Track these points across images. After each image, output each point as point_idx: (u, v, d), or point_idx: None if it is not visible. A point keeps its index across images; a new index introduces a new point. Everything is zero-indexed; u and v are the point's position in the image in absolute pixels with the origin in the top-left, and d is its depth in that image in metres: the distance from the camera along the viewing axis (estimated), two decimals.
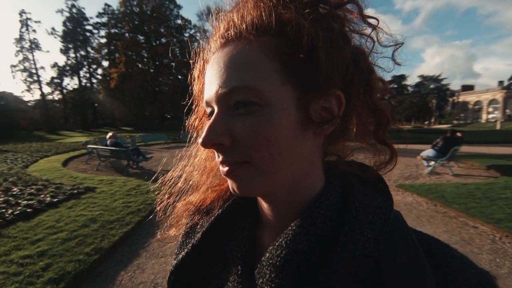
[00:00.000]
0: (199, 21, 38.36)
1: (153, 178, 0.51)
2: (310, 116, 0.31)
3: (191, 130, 0.43)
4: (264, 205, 0.37)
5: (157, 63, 39.81)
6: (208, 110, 0.34)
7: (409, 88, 65.07)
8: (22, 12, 39.70)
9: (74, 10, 42.70)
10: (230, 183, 0.34)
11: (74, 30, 42.69)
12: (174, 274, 0.39)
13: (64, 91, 45.23)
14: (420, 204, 4.33)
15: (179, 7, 41.99)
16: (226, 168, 0.32)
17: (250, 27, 0.31)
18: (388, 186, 0.37)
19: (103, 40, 44.44)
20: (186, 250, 0.39)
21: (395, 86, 63.13)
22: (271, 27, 0.30)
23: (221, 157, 0.32)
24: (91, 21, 44.64)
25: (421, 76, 65.33)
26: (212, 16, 0.36)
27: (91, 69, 46.49)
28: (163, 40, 40.04)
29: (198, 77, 0.39)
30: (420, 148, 7.98)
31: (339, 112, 0.32)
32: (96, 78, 47.25)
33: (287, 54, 0.30)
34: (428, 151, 6.68)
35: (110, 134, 7.98)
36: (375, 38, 0.35)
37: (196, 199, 0.44)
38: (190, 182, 0.45)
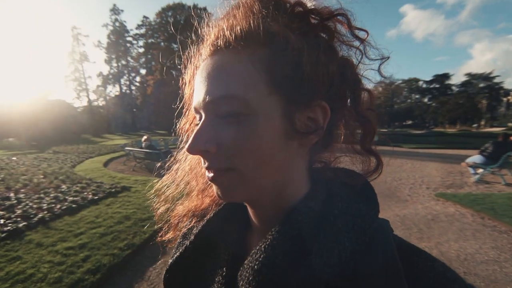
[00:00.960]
0: None
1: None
2: (295, 126, 0.32)
3: (181, 134, 0.44)
4: (250, 210, 0.38)
5: None
6: (197, 116, 0.35)
7: (453, 88, 59.72)
8: (73, 28, 44.48)
9: (117, 24, 46.75)
10: (215, 188, 0.35)
11: (117, 42, 46.71)
12: (168, 273, 0.41)
13: (107, 97, 49.65)
14: (464, 216, 3.92)
15: (211, 14, 43.65)
16: (211, 174, 0.33)
17: (238, 37, 0.31)
18: (375, 194, 0.37)
19: (141, 50, 48.06)
20: (180, 251, 0.41)
21: (437, 86, 58.47)
22: (259, 38, 0.31)
23: (206, 163, 0.33)
24: (131, 33, 48.49)
25: (469, 74, 59.33)
26: (204, 23, 0.37)
27: (131, 77, 50.42)
28: None
29: (190, 81, 0.40)
30: (465, 153, 7.26)
31: (324, 123, 0.33)
32: (135, 85, 51.12)
33: (274, 65, 0.31)
34: (475, 157, 6.05)
35: (145, 137, 8.54)
36: (362, 51, 0.36)
37: (191, 204, 0.45)
38: (182, 187, 0.45)
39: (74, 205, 4.27)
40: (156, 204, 0.47)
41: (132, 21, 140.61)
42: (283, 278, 0.29)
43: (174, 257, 0.41)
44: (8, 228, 3.30)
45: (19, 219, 3.61)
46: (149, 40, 46.10)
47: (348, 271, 0.28)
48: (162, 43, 43.44)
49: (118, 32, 46.71)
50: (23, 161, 9.75)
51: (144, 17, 50.87)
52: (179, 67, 0.42)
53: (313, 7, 0.34)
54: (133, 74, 50.37)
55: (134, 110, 50.14)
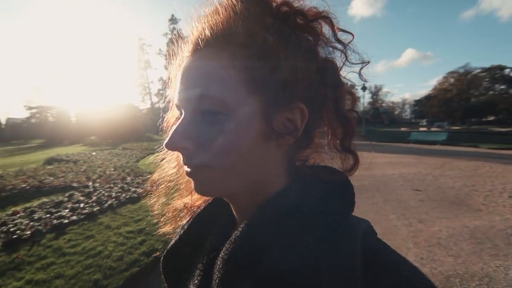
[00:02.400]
0: None
1: None
2: (273, 127, 0.33)
3: (166, 127, 0.44)
4: (231, 205, 0.40)
5: None
6: (178, 113, 0.36)
7: None
8: (140, 39, 50.46)
9: (174, 32, 51.18)
10: (193, 183, 0.36)
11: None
12: (164, 259, 0.43)
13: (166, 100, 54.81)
14: None
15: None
16: (189, 170, 0.34)
17: (219, 38, 0.32)
18: (353, 192, 0.37)
19: None
20: (174, 240, 0.44)
21: (487, 77, 48.04)
22: (240, 39, 0.31)
23: (184, 159, 0.34)
24: None
25: None
26: (189, 20, 0.37)
27: None
28: None
29: (174, 78, 0.40)
30: None
31: (302, 124, 0.34)
32: None
33: (253, 67, 0.31)
34: None
35: None
36: (345, 53, 0.37)
37: (185, 199, 0.47)
38: (171, 183, 0.46)
39: (135, 195, 4.85)
40: (151, 200, 0.49)
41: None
42: (249, 268, 0.30)
43: (169, 246, 0.43)
44: (86, 211, 3.94)
45: (94, 204, 4.27)
46: None
47: (310, 268, 0.28)
48: None
49: (176, 40, 51.05)
50: (100, 156, 11.48)
51: None
52: None
53: (299, 7, 0.35)
54: None
55: None
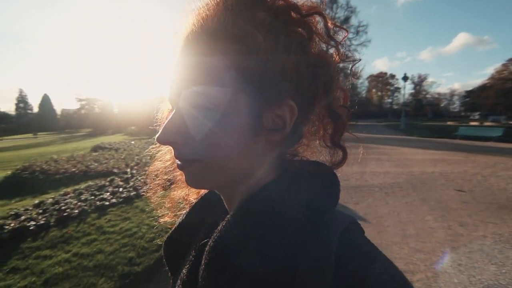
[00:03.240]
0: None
1: None
2: (262, 123, 0.33)
3: (161, 119, 0.45)
4: (222, 197, 0.41)
5: None
6: (169, 106, 0.37)
7: None
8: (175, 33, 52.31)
9: None
10: (184, 176, 0.37)
11: None
12: (165, 244, 0.46)
13: None
14: None
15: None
16: (179, 163, 0.35)
17: (210, 33, 0.32)
18: (338, 187, 0.37)
19: None
20: (173, 228, 0.45)
21: None
22: (230, 35, 0.31)
23: (175, 153, 0.35)
24: None
25: None
26: (182, 14, 0.36)
27: None
28: None
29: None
30: None
31: (291, 121, 0.34)
32: None
33: (244, 64, 0.31)
34: None
35: None
36: (338, 51, 0.38)
37: (182, 190, 0.48)
38: (166, 176, 0.47)
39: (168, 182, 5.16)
40: (148, 192, 0.50)
41: None
42: (230, 258, 0.31)
43: (169, 234, 0.46)
44: (124, 195, 4.30)
45: (131, 189, 4.63)
46: None
47: (286, 261, 0.29)
48: None
49: None
50: (138, 145, 12.37)
51: None
52: None
53: (294, 2, 0.35)
54: None
55: None
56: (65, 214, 3.46)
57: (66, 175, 5.79)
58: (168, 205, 0.50)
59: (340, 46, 0.37)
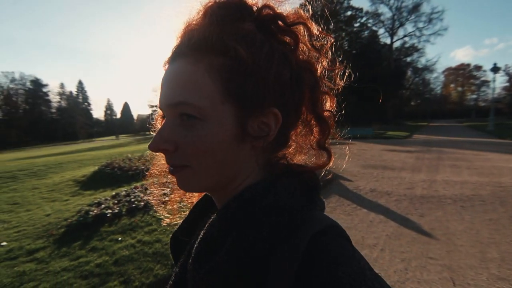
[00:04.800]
0: (372, 5, 35.33)
1: None
2: (247, 131, 0.35)
3: (155, 126, 0.47)
4: (213, 199, 0.43)
5: None
6: (162, 114, 0.40)
7: None
8: None
9: None
10: (176, 180, 0.39)
11: None
12: (171, 242, 0.49)
13: None
14: None
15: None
16: (171, 168, 0.38)
17: (196, 47, 0.34)
18: (318, 189, 0.39)
19: None
20: (178, 225, 0.49)
21: None
22: (215, 48, 0.33)
23: (167, 159, 0.38)
24: None
25: None
26: (175, 29, 0.39)
27: None
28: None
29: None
30: None
31: (275, 128, 0.36)
32: None
33: (228, 76, 0.33)
34: None
35: None
36: (321, 59, 0.40)
37: (180, 192, 0.50)
38: (163, 180, 0.50)
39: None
40: (150, 194, 0.54)
41: None
42: (210, 253, 0.33)
43: (175, 231, 0.49)
44: None
45: None
46: None
47: (258, 261, 0.31)
48: None
49: None
50: None
51: None
52: None
53: (279, 12, 0.37)
54: None
55: None
56: (133, 205, 3.99)
57: (137, 171, 6.69)
58: (171, 206, 0.52)
59: (326, 53, 0.40)
